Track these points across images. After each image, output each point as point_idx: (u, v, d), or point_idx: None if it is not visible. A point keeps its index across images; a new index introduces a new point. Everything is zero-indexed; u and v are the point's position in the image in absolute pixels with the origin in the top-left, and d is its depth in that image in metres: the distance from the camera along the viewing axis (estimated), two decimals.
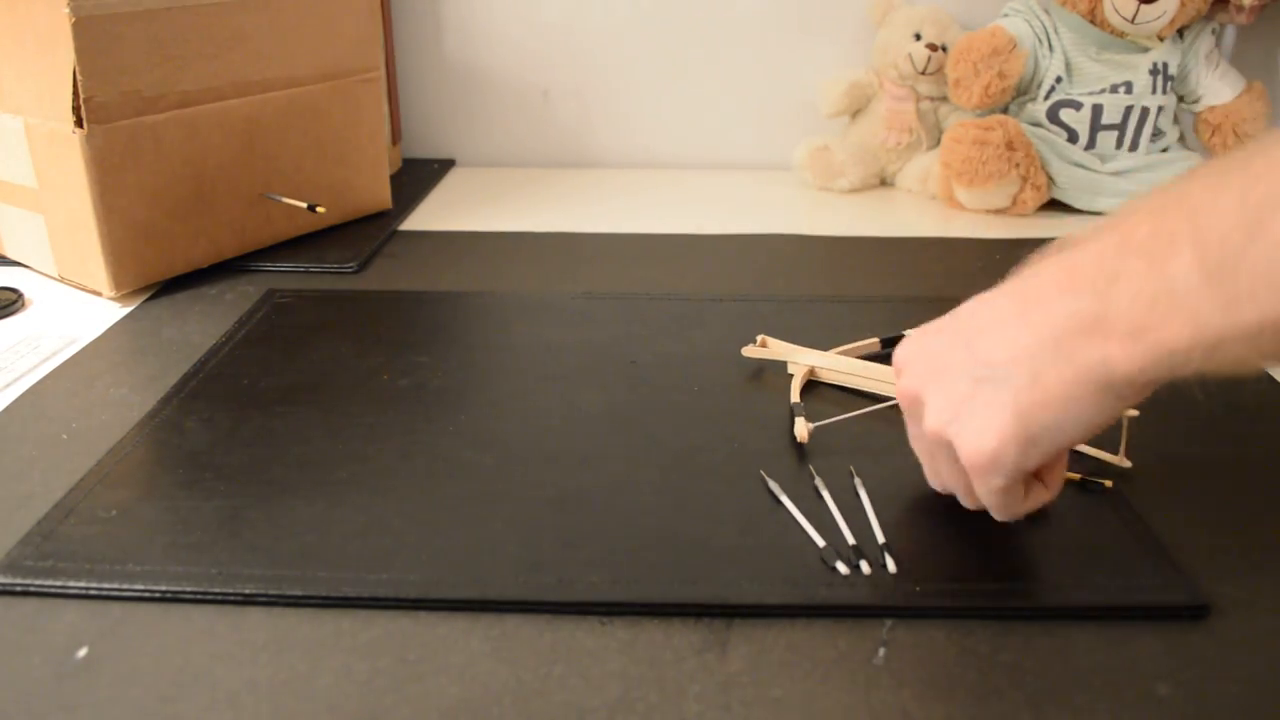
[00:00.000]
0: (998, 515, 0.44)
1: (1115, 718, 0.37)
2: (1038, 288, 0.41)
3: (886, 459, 0.51)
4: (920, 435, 0.45)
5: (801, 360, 0.60)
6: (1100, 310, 0.39)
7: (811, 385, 0.60)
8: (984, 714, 0.37)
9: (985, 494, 0.43)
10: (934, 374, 0.44)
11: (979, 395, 0.41)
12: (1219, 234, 0.36)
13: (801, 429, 0.53)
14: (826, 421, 0.54)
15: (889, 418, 0.52)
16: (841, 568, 0.43)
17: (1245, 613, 0.42)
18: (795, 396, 0.57)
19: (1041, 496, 0.44)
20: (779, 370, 0.61)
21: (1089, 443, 0.51)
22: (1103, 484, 0.49)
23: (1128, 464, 0.51)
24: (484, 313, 0.70)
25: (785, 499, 0.48)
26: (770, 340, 0.62)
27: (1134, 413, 0.50)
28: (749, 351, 0.62)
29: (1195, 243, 0.36)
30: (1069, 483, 0.49)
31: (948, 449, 0.43)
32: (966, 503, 0.45)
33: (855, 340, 0.63)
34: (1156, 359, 0.37)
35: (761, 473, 0.50)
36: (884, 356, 0.61)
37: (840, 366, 0.60)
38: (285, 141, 0.79)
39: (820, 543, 0.45)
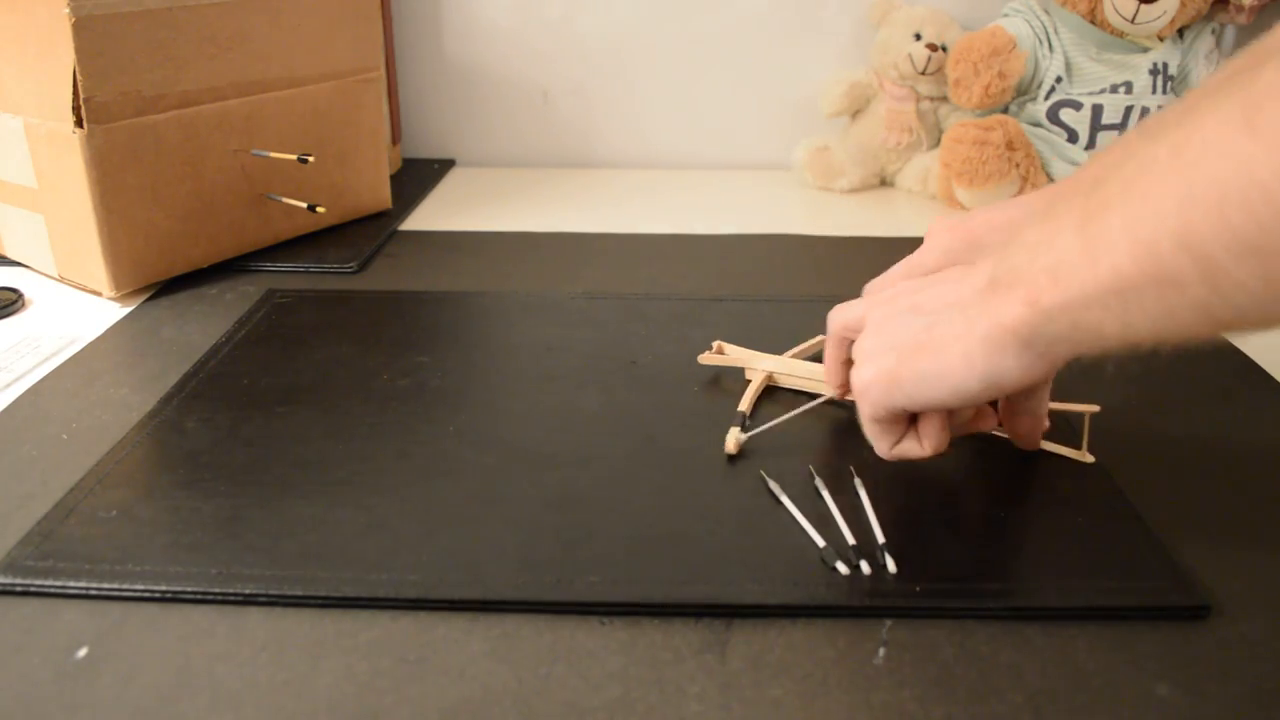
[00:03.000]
0: (873, 446, 0.48)
1: (1115, 718, 0.37)
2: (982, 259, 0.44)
3: (887, 460, 0.51)
4: (855, 351, 0.49)
5: (758, 366, 0.59)
6: (997, 270, 0.41)
7: (772, 391, 0.59)
8: (984, 714, 0.37)
9: (862, 419, 0.47)
10: (880, 305, 0.47)
11: (890, 329, 0.45)
12: (1105, 193, 0.36)
13: (731, 440, 0.52)
14: (758, 430, 0.53)
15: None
16: (841, 568, 0.43)
17: (1245, 613, 0.42)
18: (746, 404, 0.56)
19: (911, 449, 0.47)
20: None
21: (1059, 441, 0.52)
22: (1084, 459, 0.51)
23: (1090, 459, 0.51)
24: (484, 313, 0.70)
25: (785, 499, 0.48)
26: (727, 346, 0.61)
27: (1095, 408, 0.52)
28: (705, 359, 0.61)
29: (1083, 208, 0.37)
30: (1064, 476, 0.49)
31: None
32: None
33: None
34: (1026, 313, 0.39)
35: (761, 473, 0.50)
36: None
37: (795, 370, 0.59)
38: (285, 141, 0.79)
39: (820, 543, 0.45)
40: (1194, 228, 0.32)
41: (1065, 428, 0.54)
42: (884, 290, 0.49)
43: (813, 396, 0.57)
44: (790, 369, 0.59)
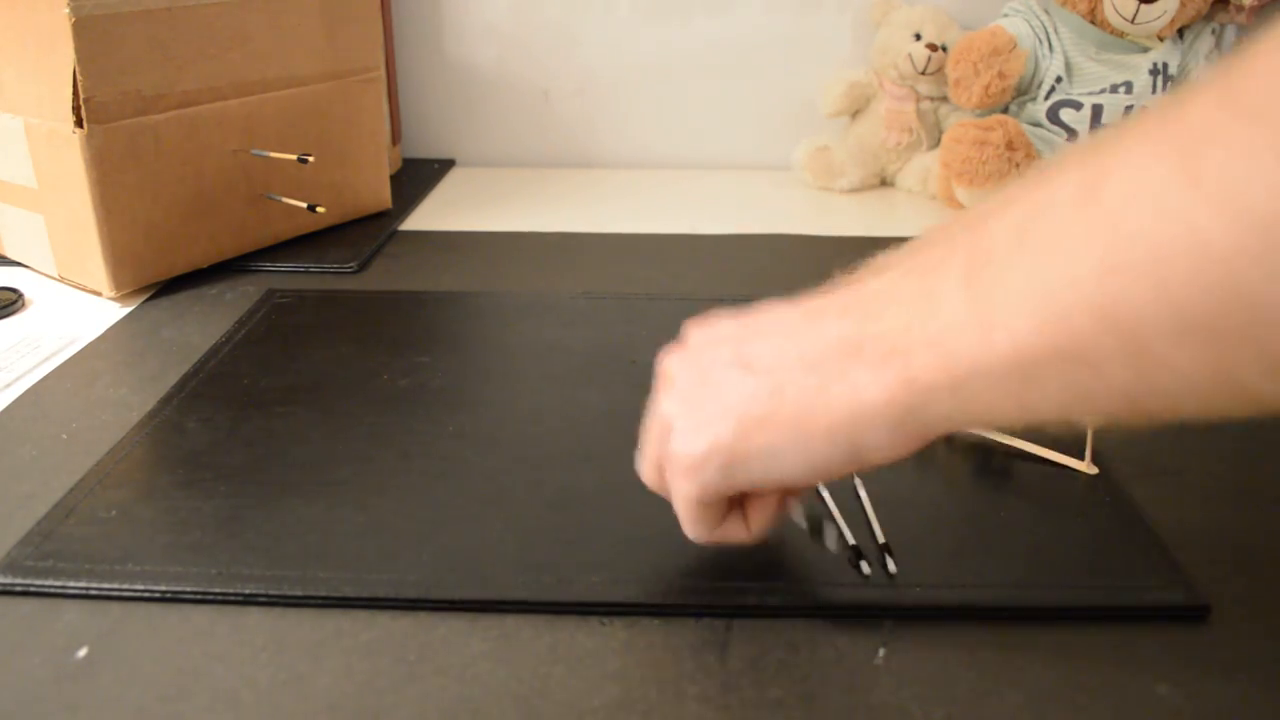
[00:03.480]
0: (684, 528, 0.40)
1: (1115, 718, 0.37)
2: (823, 306, 0.37)
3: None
4: (654, 414, 0.41)
5: None
6: (862, 333, 0.34)
7: None
8: (984, 714, 0.37)
9: (678, 498, 0.39)
10: (694, 360, 0.39)
11: (718, 393, 0.37)
12: (987, 251, 0.31)
13: None
14: None
15: None
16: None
17: (1245, 613, 0.42)
18: None
19: (737, 533, 0.40)
20: None
21: (1052, 447, 0.51)
22: (1087, 470, 0.49)
23: (1094, 470, 0.50)
24: (484, 313, 0.70)
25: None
26: None
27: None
28: None
29: (967, 260, 0.31)
30: (1055, 473, 0.49)
31: (661, 436, 0.39)
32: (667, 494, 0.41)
33: None
34: (903, 388, 0.32)
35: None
36: None
37: None
38: (285, 141, 0.79)
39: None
40: (1120, 298, 0.27)
41: (1068, 437, 0.53)
42: (691, 342, 0.41)
43: None
44: None
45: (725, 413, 0.36)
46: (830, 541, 0.43)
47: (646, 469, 0.42)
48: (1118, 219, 0.27)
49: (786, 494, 0.41)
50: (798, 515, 0.43)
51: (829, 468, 0.35)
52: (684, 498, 0.39)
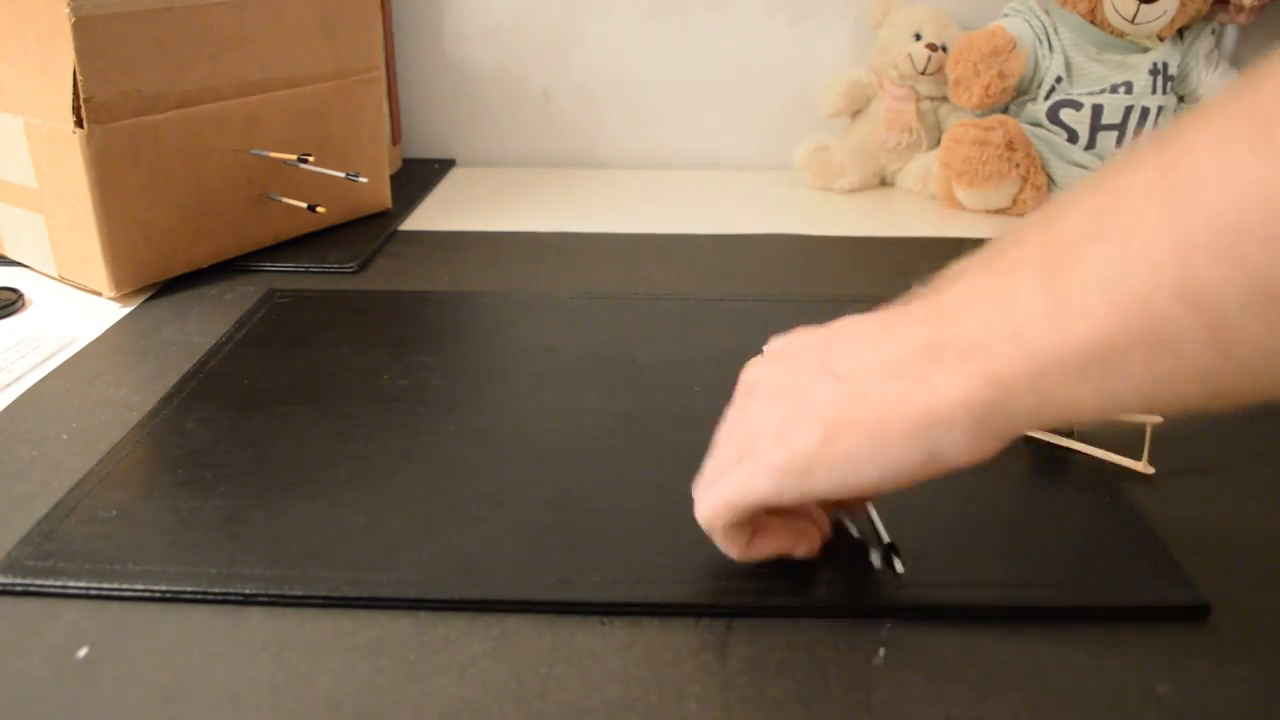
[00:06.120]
0: (705, 508, 0.40)
1: (1115, 718, 0.37)
2: (903, 314, 0.38)
3: None
4: (733, 421, 0.41)
5: None
6: (941, 335, 0.34)
7: None
8: (984, 714, 0.37)
9: (735, 488, 0.39)
10: (782, 369, 0.40)
11: (805, 400, 0.37)
12: (1062, 244, 0.31)
13: None
14: None
15: None
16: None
17: (1245, 613, 0.42)
18: None
19: (735, 544, 0.41)
20: None
21: (1109, 448, 0.51)
22: (1145, 470, 0.47)
23: (1151, 470, 0.50)
24: (484, 313, 0.70)
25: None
26: None
27: (1158, 419, 0.49)
28: None
29: (1043, 254, 0.32)
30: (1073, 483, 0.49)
31: (746, 441, 0.39)
32: (696, 485, 0.42)
33: None
34: (982, 385, 0.32)
35: None
36: None
37: None
38: (285, 141, 0.79)
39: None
40: (1196, 275, 0.27)
41: (1118, 436, 0.52)
42: (776, 354, 0.41)
43: None
44: None
45: (811, 419, 0.37)
46: (875, 557, 0.44)
47: (712, 465, 0.41)
48: (1194, 199, 0.27)
49: (837, 507, 0.42)
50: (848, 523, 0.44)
51: (904, 473, 0.35)
52: (750, 492, 0.38)
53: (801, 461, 0.36)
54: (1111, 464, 0.51)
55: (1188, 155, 0.28)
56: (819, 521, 0.43)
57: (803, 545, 0.42)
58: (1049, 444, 0.52)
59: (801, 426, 0.37)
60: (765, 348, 0.43)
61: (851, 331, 0.39)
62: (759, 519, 0.40)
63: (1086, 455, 0.51)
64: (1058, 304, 0.30)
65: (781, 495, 0.37)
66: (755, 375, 0.41)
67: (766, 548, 0.41)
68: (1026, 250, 0.33)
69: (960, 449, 0.34)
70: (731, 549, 0.41)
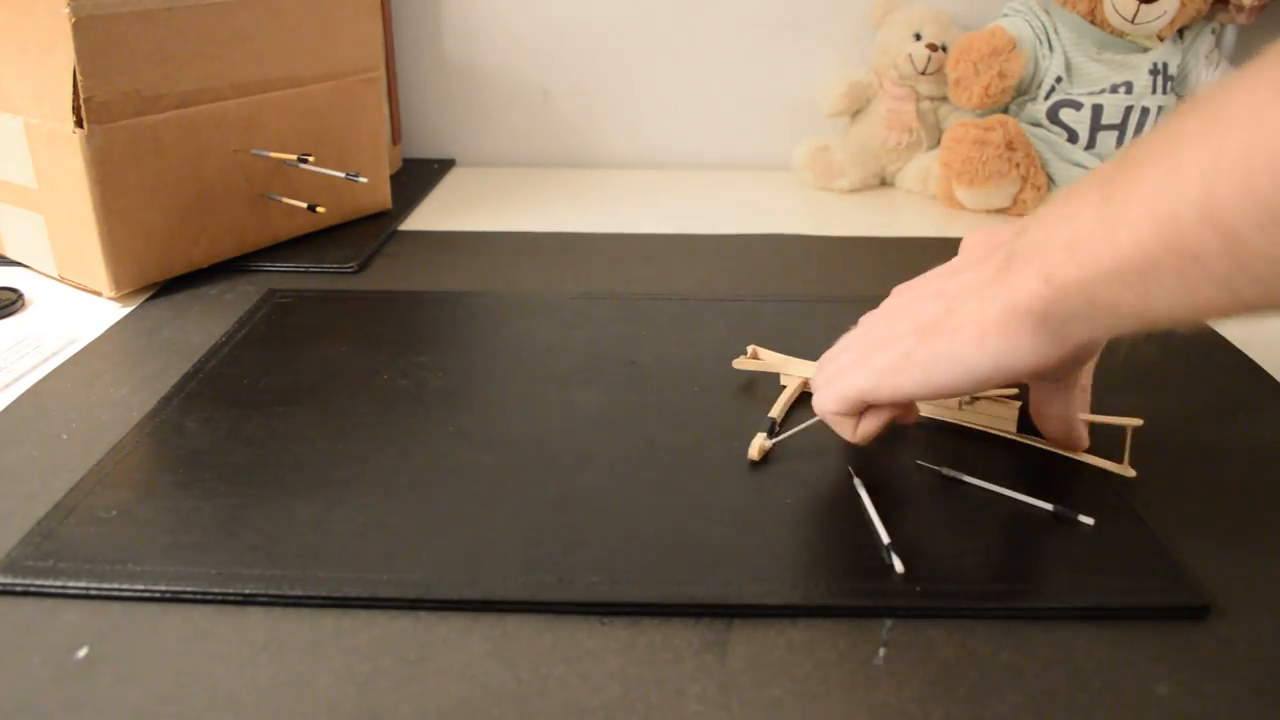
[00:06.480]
0: (823, 396, 0.48)
1: (1115, 718, 0.37)
2: (1000, 243, 0.44)
3: (884, 460, 0.51)
4: (860, 333, 0.49)
5: (794, 371, 0.59)
6: (1014, 246, 0.41)
7: (806, 397, 0.58)
8: (984, 714, 0.37)
9: (850, 382, 0.46)
10: (904, 291, 0.49)
11: (910, 313, 0.46)
12: (1124, 170, 0.35)
13: (755, 447, 0.51)
14: (784, 435, 0.53)
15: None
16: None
17: (1245, 613, 0.42)
18: (778, 411, 0.55)
19: (845, 429, 0.48)
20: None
21: (1096, 453, 0.51)
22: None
23: (1132, 473, 0.50)
24: (484, 313, 0.70)
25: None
26: (762, 351, 0.60)
27: (1138, 422, 0.50)
28: (740, 364, 0.60)
29: (1104, 181, 0.36)
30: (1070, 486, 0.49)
31: (860, 345, 0.48)
32: (814, 381, 0.50)
33: None
34: (1043, 288, 0.38)
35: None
36: None
37: None
38: (285, 141, 0.79)
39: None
40: (1217, 197, 0.31)
41: (1104, 439, 0.52)
42: (916, 281, 0.49)
43: None
44: None
45: (908, 330, 0.45)
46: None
47: (829, 360, 0.50)
48: (1224, 136, 0.32)
49: (905, 412, 0.48)
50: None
51: (977, 373, 0.41)
52: (856, 386, 0.46)
53: (895, 363, 0.44)
54: (1097, 469, 0.51)
55: (1231, 100, 0.32)
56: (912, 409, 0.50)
57: (902, 416, 0.49)
58: (1039, 449, 0.52)
59: (901, 335, 0.45)
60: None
61: (963, 262, 0.47)
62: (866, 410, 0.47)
63: (1071, 459, 0.51)
64: (1108, 220, 0.35)
65: (878, 391, 0.45)
66: (880, 308, 0.50)
67: (871, 426, 0.47)
68: (1098, 175, 0.38)
69: (1024, 350, 0.40)
70: (843, 432, 0.48)
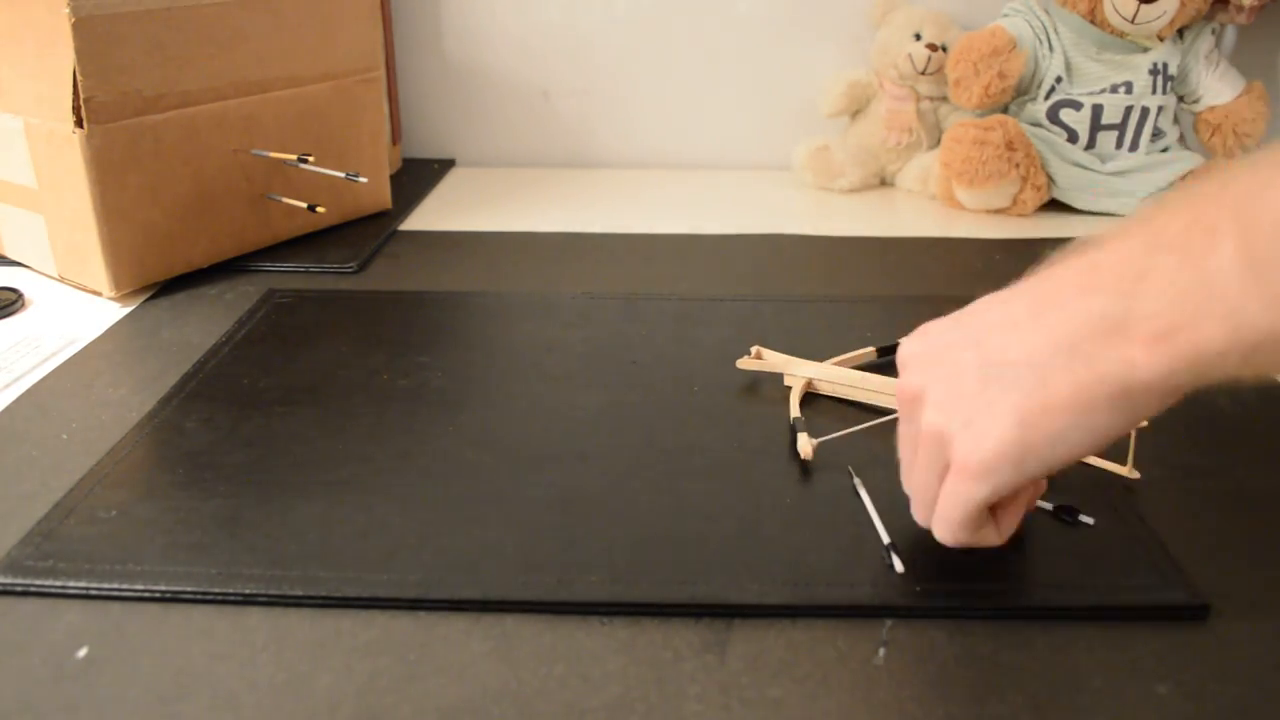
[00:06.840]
0: (942, 531, 0.41)
1: (1115, 718, 0.37)
2: (1055, 288, 0.38)
3: (884, 462, 0.51)
4: (911, 434, 0.42)
5: (798, 372, 0.59)
6: (1124, 310, 0.36)
7: (809, 397, 0.59)
8: (984, 714, 0.37)
9: (955, 504, 0.40)
10: (940, 371, 0.40)
11: (984, 395, 0.38)
12: (1269, 224, 0.32)
13: (805, 446, 0.51)
14: (829, 437, 0.53)
15: (887, 426, 0.52)
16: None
17: (1245, 613, 0.42)
18: (795, 411, 0.55)
19: (989, 537, 0.42)
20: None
21: (1101, 455, 0.51)
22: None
23: (1136, 475, 0.50)
24: (484, 313, 0.70)
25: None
26: (765, 351, 0.60)
27: (1142, 423, 0.50)
28: (744, 364, 0.60)
29: (1240, 234, 0.33)
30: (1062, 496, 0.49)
31: (937, 450, 0.40)
32: (919, 513, 0.43)
33: (854, 341, 0.63)
34: (1186, 362, 0.34)
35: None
36: (879, 366, 0.61)
37: (837, 378, 0.58)
38: (285, 141, 0.79)
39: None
40: None
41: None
42: (922, 358, 0.42)
43: (863, 405, 0.57)
44: (831, 376, 0.58)
45: (1002, 411, 0.38)
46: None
47: (919, 488, 0.42)
48: None
49: (1033, 491, 0.43)
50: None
51: (1111, 434, 0.37)
52: (971, 501, 0.40)
53: (1010, 453, 0.38)
54: (1097, 470, 0.51)
55: None
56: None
57: (1033, 492, 0.44)
58: None
59: (994, 424, 0.38)
60: (901, 353, 0.43)
61: (998, 317, 0.40)
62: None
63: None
64: (1268, 287, 0.32)
65: (1000, 491, 0.39)
66: (911, 384, 0.42)
67: (1010, 520, 0.42)
68: (1208, 226, 0.34)
69: (1155, 407, 0.37)
70: (988, 542, 0.42)
